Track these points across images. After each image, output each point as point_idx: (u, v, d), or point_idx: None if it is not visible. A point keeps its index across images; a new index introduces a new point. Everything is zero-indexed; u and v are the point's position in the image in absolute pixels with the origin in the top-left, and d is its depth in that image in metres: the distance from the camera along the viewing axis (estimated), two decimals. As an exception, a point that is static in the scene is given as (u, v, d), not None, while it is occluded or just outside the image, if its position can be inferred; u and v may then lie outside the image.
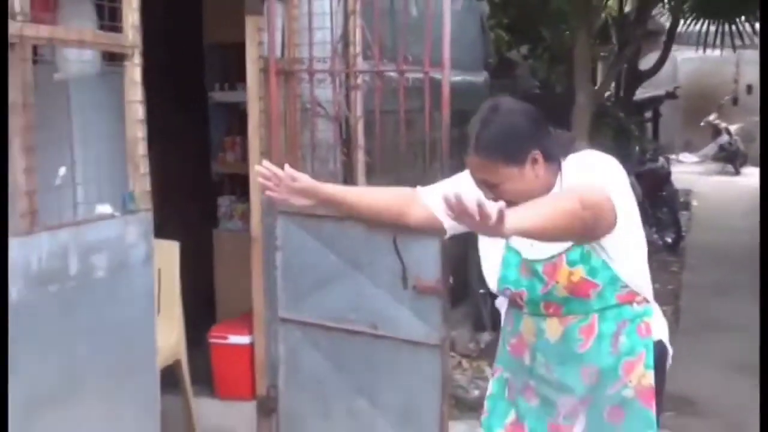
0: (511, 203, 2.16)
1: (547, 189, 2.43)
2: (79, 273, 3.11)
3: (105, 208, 3.30)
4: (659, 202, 10.81)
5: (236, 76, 5.80)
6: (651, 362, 2.49)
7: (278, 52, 4.62)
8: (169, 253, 4.53)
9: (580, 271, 2.42)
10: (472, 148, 2.34)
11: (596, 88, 8.69)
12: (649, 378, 2.48)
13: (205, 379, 5.08)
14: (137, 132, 3.40)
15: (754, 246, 5.55)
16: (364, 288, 4.10)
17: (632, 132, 10.83)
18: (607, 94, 11.93)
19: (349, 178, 4.80)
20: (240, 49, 4.67)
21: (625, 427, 2.46)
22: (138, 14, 3.39)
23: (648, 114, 15.32)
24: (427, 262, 3.90)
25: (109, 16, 3.38)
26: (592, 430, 2.49)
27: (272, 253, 4.51)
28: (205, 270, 5.86)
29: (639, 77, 12.71)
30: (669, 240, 10.98)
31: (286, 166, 2.45)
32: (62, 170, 3.27)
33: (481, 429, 2.73)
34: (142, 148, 3.41)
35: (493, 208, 1.88)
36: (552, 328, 2.51)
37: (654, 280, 8.27)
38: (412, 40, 4.32)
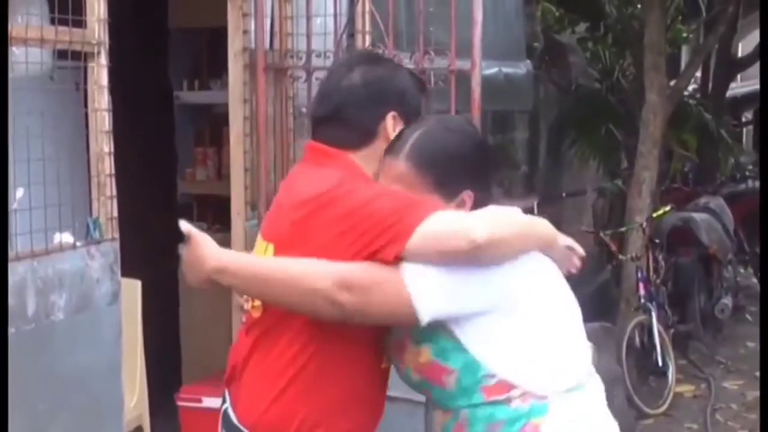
0: None
1: None
2: (37, 314, 3.62)
3: (65, 237, 3.79)
4: (759, 235, 11.23)
5: (210, 70, 6.26)
6: None
7: (267, 44, 5.12)
8: (128, 294, 4.97)
9: (427, 351, 2.61)
10: (402, 152, 2.63)
11: (672, 83, 9.02)
12: None
13: (172, 453, 5.54)
14: (104, 145, 3.93)
15: None
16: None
17: (723, 140, 11.18)
18: (691, 88, 12.29)
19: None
20: (216, 36, 5.16)
21: None
22: (105, 5, 3.92)
23: (748, 115, 15.65)
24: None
25: (60, 7, 3.83)
26: None
27: (258, 295, 4.97)
28: (169, 316, 6.34)
29: (734, 65, 13.09)
30: (772, 284, 11.42)
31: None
32: (20, 192, 3.77)
33: None
34: (108, 166, 3.93)
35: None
36: (436, 419, 2.79)
37: (749, 336, 8.62)
38: (434, 27, 4.80)
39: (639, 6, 10.13)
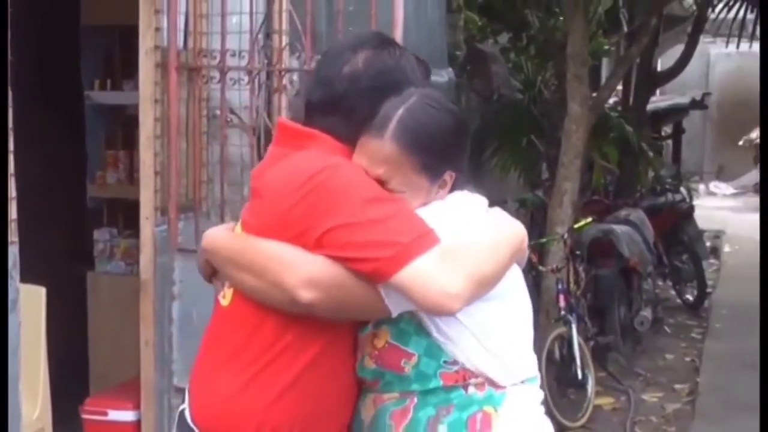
0: None
1: None
2: (-75, 321, 3.38)
3: (-41, 240, 3.56)
4: (678, 248, 11.28)
5: (123, 70, 6.09)
6: None
7: (180, 42, 4.95)
8: (32, 301, 4.76)
9: (386, 334, 2.56)
10: (387, 132, 2.52)
11: (596, 94, 8.99)
12: None
13: (76, 468, 5.32)
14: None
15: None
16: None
17: (644, 153, 11.22)
18: (612, 101, 12.33)
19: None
20: (130, 34, 4.98)
21: None
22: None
23: (667, 129, 15.78)
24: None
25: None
26: None
27: (167, 303, 4.80)
28: (76, 324, 6.11)
29: (655, 79, 13.09)
30: (689, 297, 11.48)
31: None
32: None
33: None
34: (9, 166, 3.70)
35: None
36: (366, 405, 2.65)
37: (668, 348, 8.61)
38: (354, 27, 4.66)
39: (561, 18, 10.11)
